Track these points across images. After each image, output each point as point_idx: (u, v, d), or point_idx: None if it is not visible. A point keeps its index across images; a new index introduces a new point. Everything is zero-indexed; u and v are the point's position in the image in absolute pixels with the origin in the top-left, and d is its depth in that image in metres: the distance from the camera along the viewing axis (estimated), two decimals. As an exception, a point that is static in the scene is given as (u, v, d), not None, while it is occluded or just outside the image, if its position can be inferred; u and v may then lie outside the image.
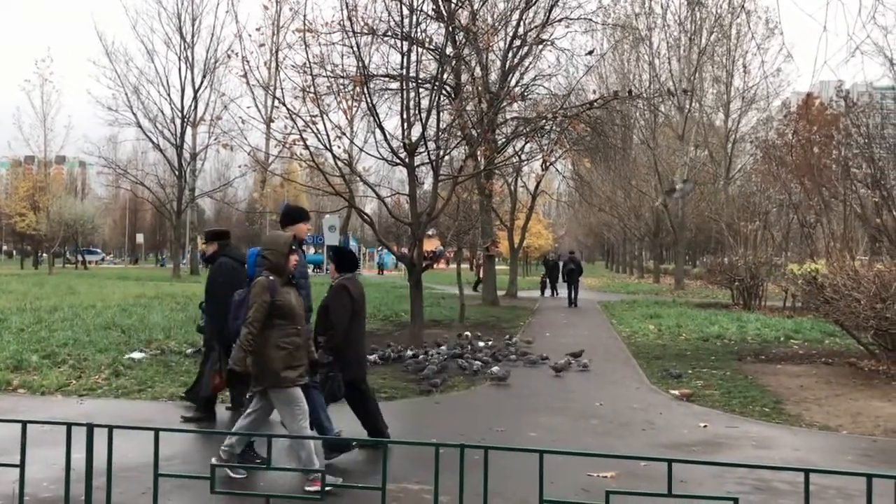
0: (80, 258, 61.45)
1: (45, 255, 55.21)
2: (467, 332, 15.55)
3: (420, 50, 15.07)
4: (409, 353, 12.25)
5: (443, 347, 13.00)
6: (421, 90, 14.63)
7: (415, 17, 13.86)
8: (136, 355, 11.65)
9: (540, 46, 22.64)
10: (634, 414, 8.50)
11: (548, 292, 32.43)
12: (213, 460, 5.30)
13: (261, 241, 5.92)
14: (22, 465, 3.51)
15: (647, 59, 39.95)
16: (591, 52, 24.81)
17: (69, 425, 3.43)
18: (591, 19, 25.49)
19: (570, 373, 11.29)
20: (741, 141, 46.11)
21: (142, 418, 7.90)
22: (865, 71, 54.51)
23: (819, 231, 23.51)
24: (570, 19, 24.23)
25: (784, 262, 25.36)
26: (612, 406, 8.88)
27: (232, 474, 5.54)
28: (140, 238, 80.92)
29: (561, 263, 31.26)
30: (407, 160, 13.85)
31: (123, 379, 9.92)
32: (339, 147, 13.65)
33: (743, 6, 32.98)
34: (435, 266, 18.25)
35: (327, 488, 4.14)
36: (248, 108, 36.44)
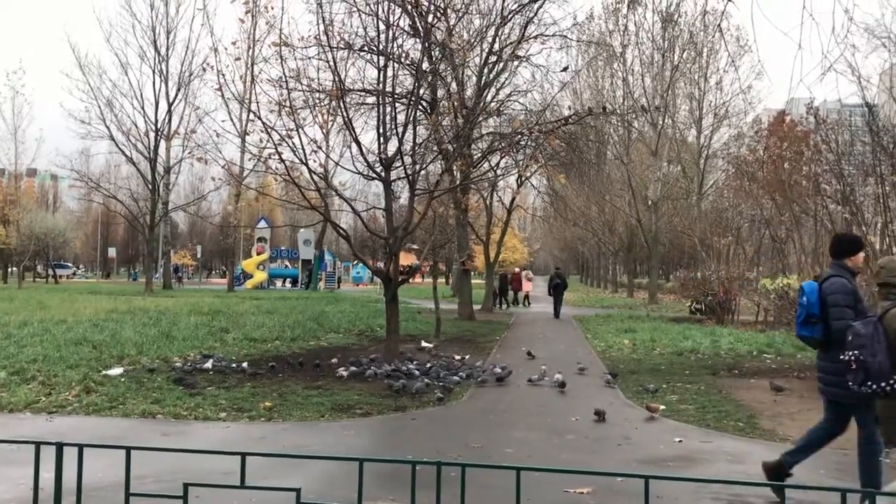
0: (50, 272, 60.63)
1: (14, 269, 54.43)
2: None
3: (396, 65, 15.12)
4: (387, 368, 12.19)
5: (415, 362, 13.02)
6: (397, 105, 14.66)
7: (391, 33, 13.91)
8: (113, 371, 11.47)
9: (515, 62, 22.81)
10: (610, 429, 8.52)
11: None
12: None
13: (883, 269, 5.40)
14: (-11, 486, 3.43)
15: (620, 75, 40.38)
16: (565, 69, 25.02)
17: (38, 444, 3.36)
18: (566, 36, 25.78)
19: (545, 388, 11.30)
20: (713, 157, 46.68)
21: (113, 436, 7.78)
22: (839, 89, 55.43)
23: (790, 246, 23.79)
24: (546, 36, 24.48)
25: (756, 277, 25.65)
26: (588, 421, 8.89)
27: None
28: (112, 252, 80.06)
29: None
30: (383, 175, 13.84)
31: (94, 396, 9.77)
32: (314, 161, 13.62)
33: (719, 26, 33.45)
34: (411, 280, 18.33)
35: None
36: (223, 121, 36.33)
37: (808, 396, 10.74)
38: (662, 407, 9.48)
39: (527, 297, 36.77)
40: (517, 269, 40.97)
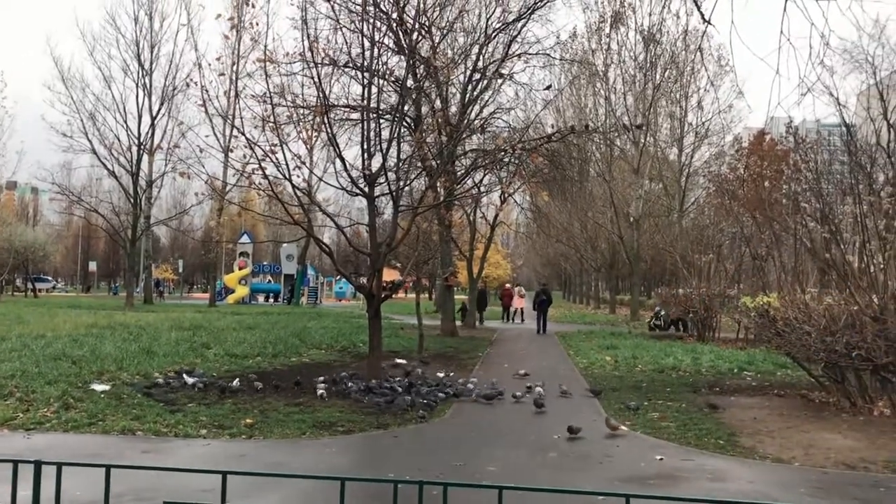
0: (30, 286, 59.98)
1: (-8, 282, 53.85)
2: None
3: (381, 82, 15.17)
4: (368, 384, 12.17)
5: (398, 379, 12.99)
6: (381, 121, 14.72)
7: (376, 50, 13.96)
8: (99, 387, 11.33)
9: (499, 80, 22.96)
10: (592, 447, 8.53)
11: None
12: None
13: None
14: (-35, 505, 3.40)
15: (603, 94, 40.69)
16: (548, 87, 25.24)
17: (15, 462, 3.34)
18: (548, 54, 25.99)
19: (527, 405, 11.30)
20: (694, 175, 47.05)
21: (92, 453, 7.70)
22: (816, 110, 56.24)
23: (770, 264, 23.99)
24: (529, 54, 24.68)
25: (737, 294, 25.81)
26: (570, 439, 8.89)
27: None
28: (93, 266, 79.37)
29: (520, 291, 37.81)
30: (367, 190, 13.85)
31: (73, 412, 9.67)
32: (298, 176, 13.62)
33: (699, 47, 33.86)
34: (394, 295, 18.28)
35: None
36: (207, 136, 36.02)
37: (788, 414, 10.82)
38: (623, 428, 9.40)
39: (519, 312, 36.90)
40: (508, 285, 41.64)
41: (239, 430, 8.98)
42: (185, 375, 12.53)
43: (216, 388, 11.87)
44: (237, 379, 12.60)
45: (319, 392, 11.57)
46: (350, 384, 12.19)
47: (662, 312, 29.29)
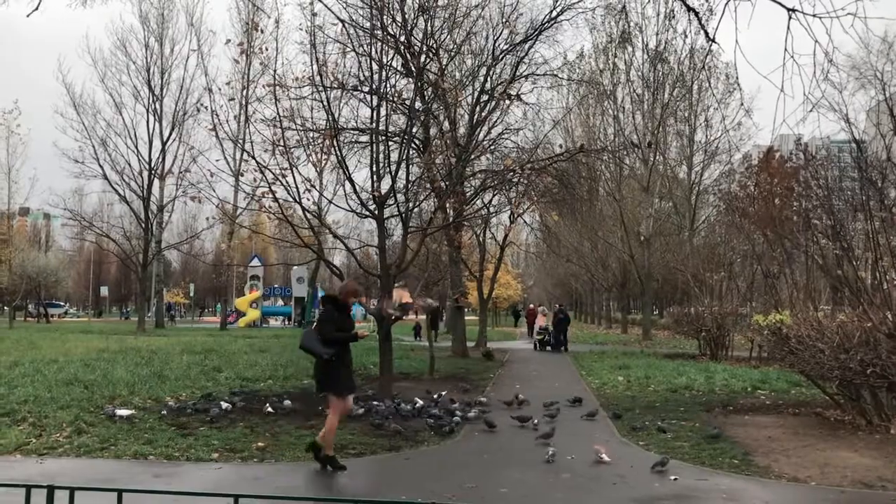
0: (42, 311, 60.27)
1: (5, 308, 54.12)
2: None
3: (389, 104, 15.28)
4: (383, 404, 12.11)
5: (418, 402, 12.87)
6: (390, 143, 14.81)
7: (384, 73, 14.07)
8: (124, 412, 11.28)
9: (507, 101, 23.06)
10: (605, 468, 8.47)
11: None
12: None
13: None
14: (-22, 531, 3.40)
15: (611, 113, 40.80)
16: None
17: (28, 487, 3.34)
18: (556, 75, 26.14)
19: (539, 426, 11.23)
20: (705, 193, 46.99)
21: (104, 478, 7.69)
22: (821, 127, 56.23)
23: (783, 281, 23.86)
24: (537, 75, 24.82)
25: (749, 313, 25.67)
26: (583, 459, 8.83)
27: None
28: (104, 291, 79.72)
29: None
30: (376, 212, 13.91)
31: (86, 437, 9.67)
32: (308, 199, 13.71)
33: (704, 65, 33.93)
34: (404, 318, 18.24)
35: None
36: (217, 160, 36.25)
37: (803, 433, 10.71)
38: (603, 455, 8.78)
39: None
40: (532, 306, 44.85)
41: (251, 453, 8.96)
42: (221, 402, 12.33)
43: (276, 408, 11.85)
44: (287, 400, 12.51)
45: (357, 412, 11.39)
46: (361, 406, 12.11)
47: (550, 329, 30.52)
